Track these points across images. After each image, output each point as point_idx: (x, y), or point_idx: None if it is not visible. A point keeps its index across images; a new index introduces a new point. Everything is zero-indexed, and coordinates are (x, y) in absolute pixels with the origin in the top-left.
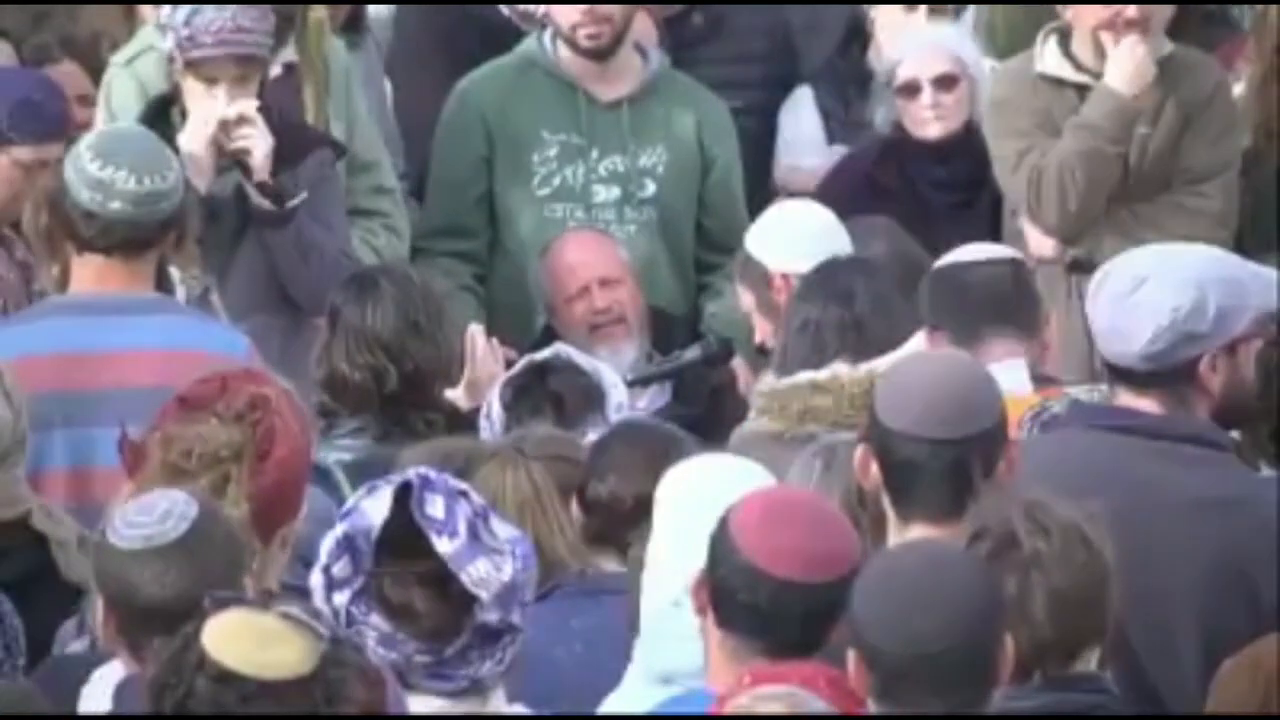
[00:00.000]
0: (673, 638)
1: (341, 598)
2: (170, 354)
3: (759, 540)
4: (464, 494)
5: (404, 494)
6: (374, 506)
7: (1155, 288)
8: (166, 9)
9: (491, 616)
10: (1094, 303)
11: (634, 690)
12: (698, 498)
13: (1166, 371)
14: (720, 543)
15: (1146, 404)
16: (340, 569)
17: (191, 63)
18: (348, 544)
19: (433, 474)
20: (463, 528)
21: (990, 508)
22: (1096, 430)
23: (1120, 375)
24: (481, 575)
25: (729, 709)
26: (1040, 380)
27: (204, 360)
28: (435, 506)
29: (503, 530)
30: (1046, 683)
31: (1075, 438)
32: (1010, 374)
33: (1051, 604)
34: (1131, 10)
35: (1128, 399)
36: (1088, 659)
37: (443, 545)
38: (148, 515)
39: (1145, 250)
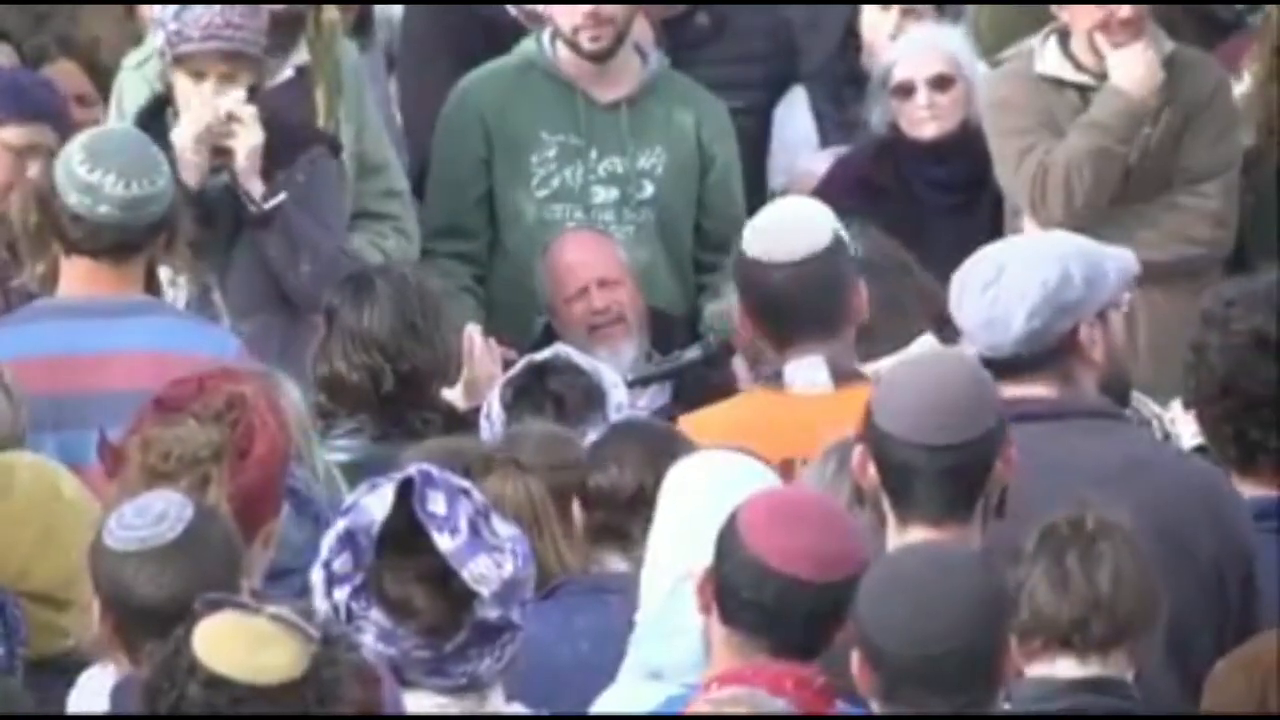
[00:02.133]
0: (663, 634)
1: (342, 593)
2: (160, 356)
3: (766, 538)
4: (465, 491)
5: (405, 490)
6: (375, 502)
7: (1018, 271)
8: (159, 8)
9: (491, 613)
10: (959, 304)
11: (626, 687)
12: (700, 492)
13: (1049, 350)
14: (727, 539)
15: (1036, 389)
16: (341, 564)
17: (179, 58)
18: (348, 540)
19: (434, 470)
20: (464, 524)
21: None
22: None
23: (1002, 367)
24: (482, 572)
25: (691, 710)
26: (845, 376)
27: (194, 362)
28: (436, 503)
29: (503, 528)
30: (1075, 685)
31: None
32: (810, 372)
33: (1115, 573)
34: (1125, 11)
35: (1014, 390)
36: (1120, 656)
37: (444, 542)
38: (143, 517)
39: (993, 246)
